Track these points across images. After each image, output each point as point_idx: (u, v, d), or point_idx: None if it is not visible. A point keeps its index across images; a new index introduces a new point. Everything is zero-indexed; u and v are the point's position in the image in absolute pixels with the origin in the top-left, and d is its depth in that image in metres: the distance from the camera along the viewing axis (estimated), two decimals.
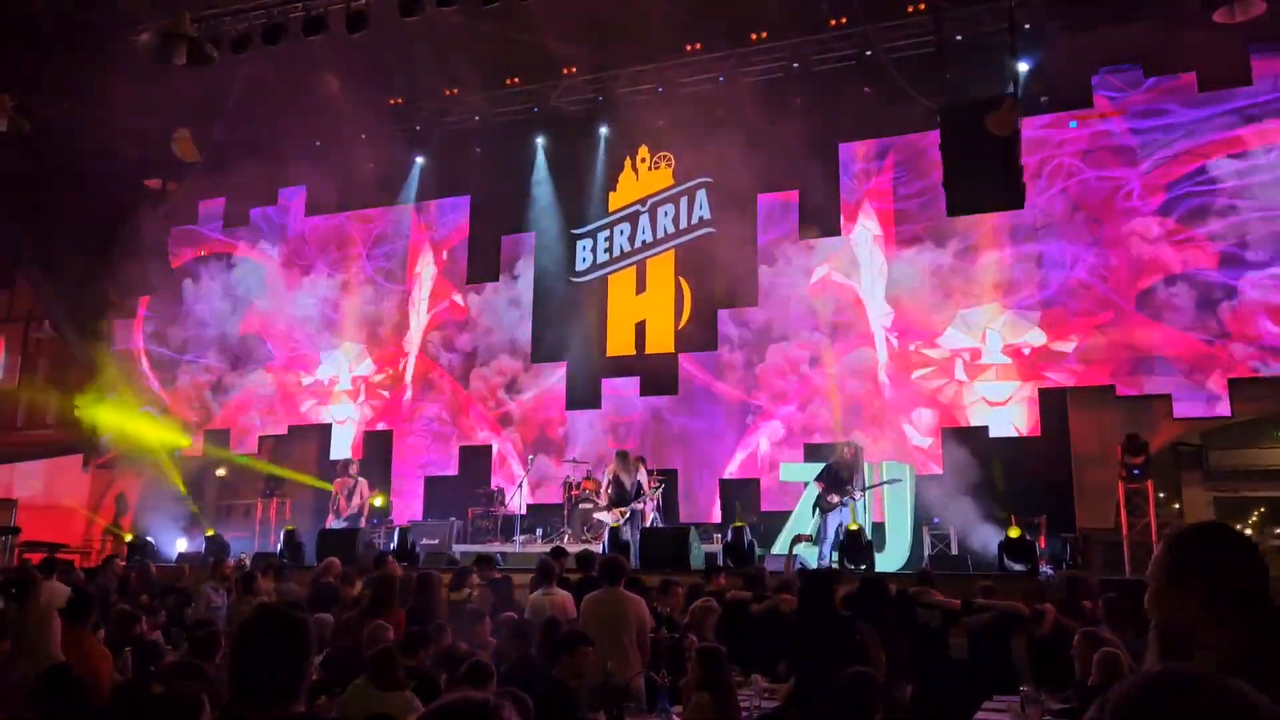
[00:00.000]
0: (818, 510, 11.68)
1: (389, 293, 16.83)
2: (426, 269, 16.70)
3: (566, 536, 12.97)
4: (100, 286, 17.31)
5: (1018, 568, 10.24)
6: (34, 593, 5.33)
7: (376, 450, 16.28)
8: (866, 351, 13.69)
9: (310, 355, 17.11)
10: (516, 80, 15.44)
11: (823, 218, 14.14)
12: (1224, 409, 11.87)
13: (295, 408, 17.06)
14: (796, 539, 11.71)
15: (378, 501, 14.81)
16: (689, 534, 11.36)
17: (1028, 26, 12.57)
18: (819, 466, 12.19)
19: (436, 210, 16.79)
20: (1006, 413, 12.86)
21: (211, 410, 17.50)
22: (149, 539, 14.93)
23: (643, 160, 15.48)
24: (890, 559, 11.96)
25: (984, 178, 11.02)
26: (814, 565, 10.83)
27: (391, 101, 15.74)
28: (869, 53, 13.44)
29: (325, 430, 16.81)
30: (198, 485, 17.10)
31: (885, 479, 12.24)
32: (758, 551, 11.61)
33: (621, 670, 5.93)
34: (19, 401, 19.16)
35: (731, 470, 14.07)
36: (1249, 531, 12.49)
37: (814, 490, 11.95)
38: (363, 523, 13.95)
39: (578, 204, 15.73)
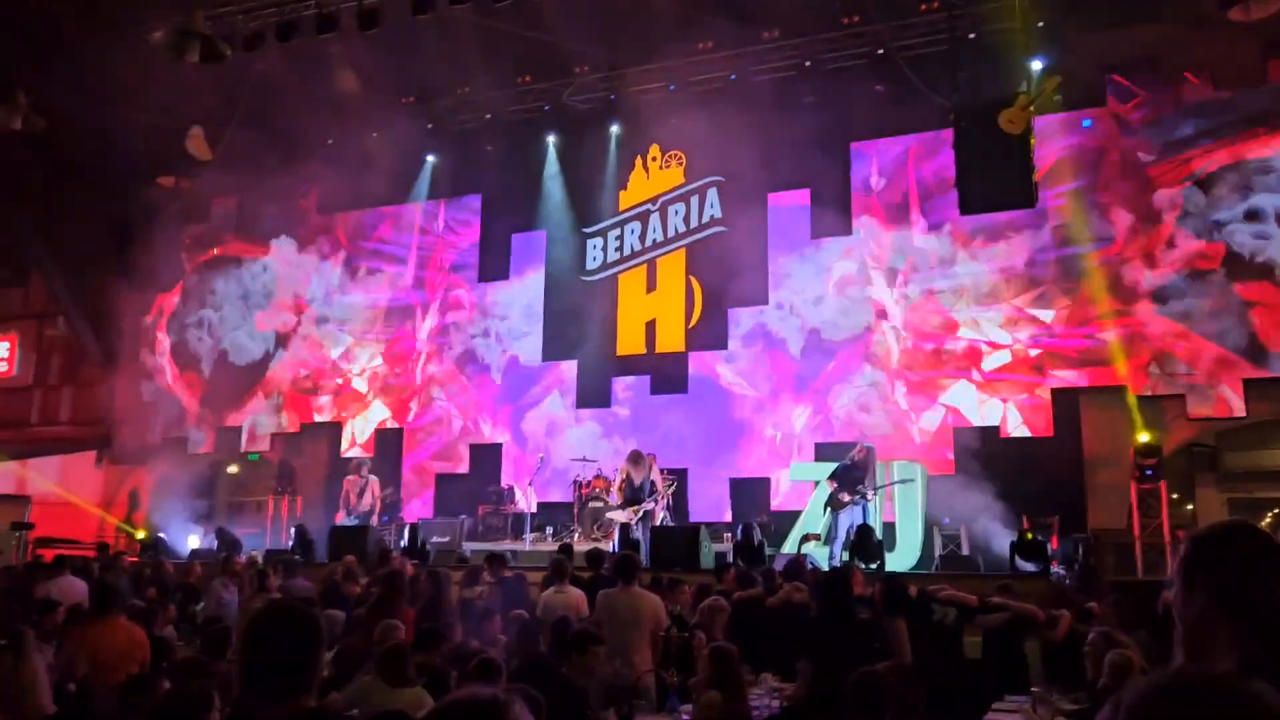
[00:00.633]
0: (829, 509, 11.66)
1: (400, 290, 16.86)
2: (438, 267, 16.72)
3: (576, 535, 12.96)
4: (114, 284, 17.38)
5: (1029, 568, 10.20)
6: (27, 646, 5.27)
7: (387, 447, 16.32)
8: (878, 350, 13.65)
9: (321, 353, 17.16)
10: (528, 78, 15.43)
11: (834, 216, 14.10)
12: (1238, 409, 11.79)
13: (307, 405, 17.11)
14: (806, 538, 11.68)
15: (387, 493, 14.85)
16: (699, 533, 11.34)
17: (1041, 24, 12.51)
18: (830, 466, 12.16)
19: (448, 208, 16.81)
20: (1019, 413, 12.81)
21: (225, 407, 17.56)
22: (161, 535, 15.01)
23: (654, 159, 15.47)
24: (901, 559, 11.92)
25: (997, 176, 11.00)
26: (825, 565, 10.80)
27: (403, 99, 15.76)
28: (881, 51, 13.38)
29: (336, 428, 16.86)
30: (210, 482, 17.18)
31: (897, 479, 12.21)
32: (768, 551, 11.59)
33: (631, 669, 5.92)
34: (33, 398, 19.28)
35: (742, 469, 14.04)
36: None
37: (825, 489, 11.93)
38: (374, 520, 13.97)
39: (589, 202, 15.73)
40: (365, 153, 16.17)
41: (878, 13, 13.15)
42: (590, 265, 15.61)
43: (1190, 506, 12.36)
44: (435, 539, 13.21)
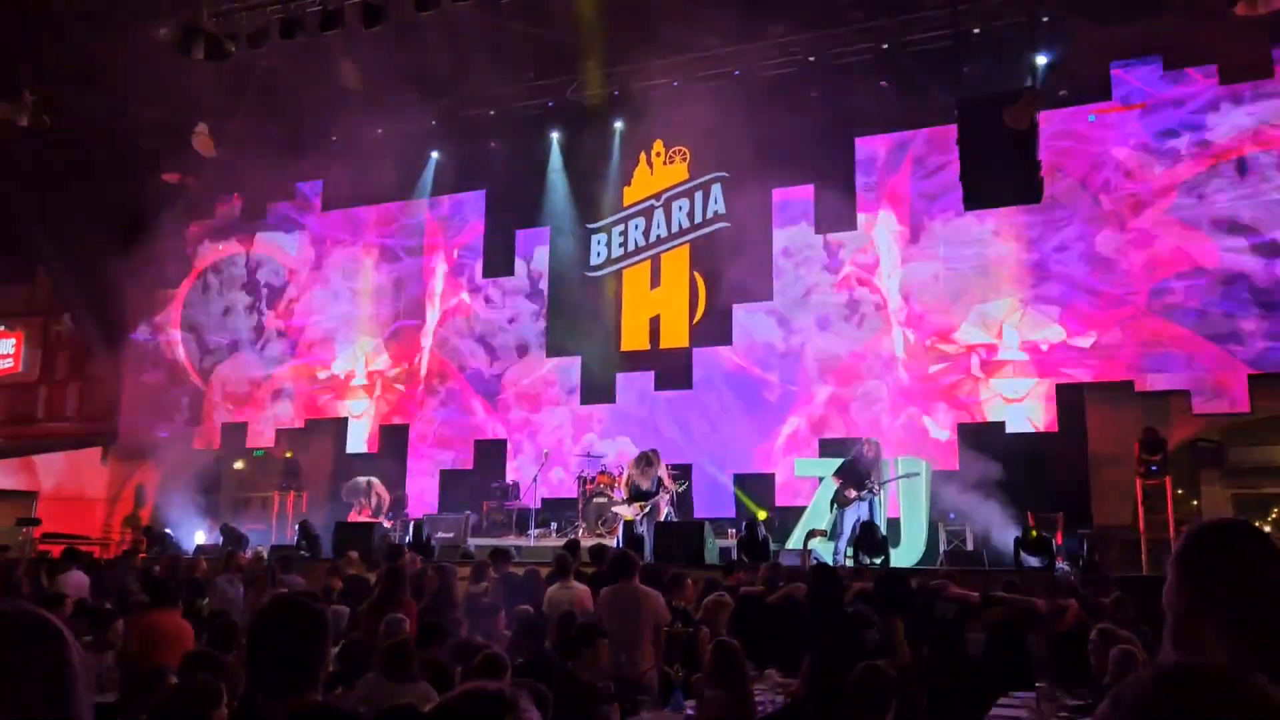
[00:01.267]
0: (835, 505, 11.67)
1: (404, 286, 16.88)
2: (442, 263, 16.73)
3: (581, 530, 12.98)
4: (120, 280, 17.41)
5: (1034, 564, 10.19)
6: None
7: (392, 443, 16.35)
8: (883, 346, 13.64)
9: (326, 349, 17.19)
10: (532, 74, 15.44)
11: (838, 212, 14.09)
12: (1243, 405, 11.77)
13: (312, 401, 17.15)
14: (811, 534, 11.69)
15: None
16: (703, 529, 11.35)
17: (1045, 19, 12.47)
18: (835, 462, 12.16)
19: (452, 204, 16.82)
20: (1023, 408, 12.80)
21: (231, 403, 17.60)
22: (167, 531, 15.05)
23: (658, 154, 15.46)
24: (906, 554, 11.92)
25: (1001, 172, 10.96)
26: (830, 560, 10.81)
27: (407, 96, 15.75)
28: (886, 46, 13.36)
29: (342, 424, 16.89)
30: (215, 478, 17.22)
31: (901, 474, 12.20)
32: (772, 546, 11.59)
33: (634, 664, 5.94)
34: (39, 394, 19.34)
35: (746, 465, 14.04)
36: (1268, 529, 12.39)
37: (830, 485, 11.93)
38: (383, 518, 14.04)
39: (593, 198, 15.73)
40: (370, 148, 16.18)
41: (882, 8, 13.12)
42: (594, 261, 15.61)
43: (1196, 502, 12.33)
44: (440, 535, 13.24)
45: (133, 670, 5.60)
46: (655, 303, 15.17)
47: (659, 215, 15.30)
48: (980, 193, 11.37)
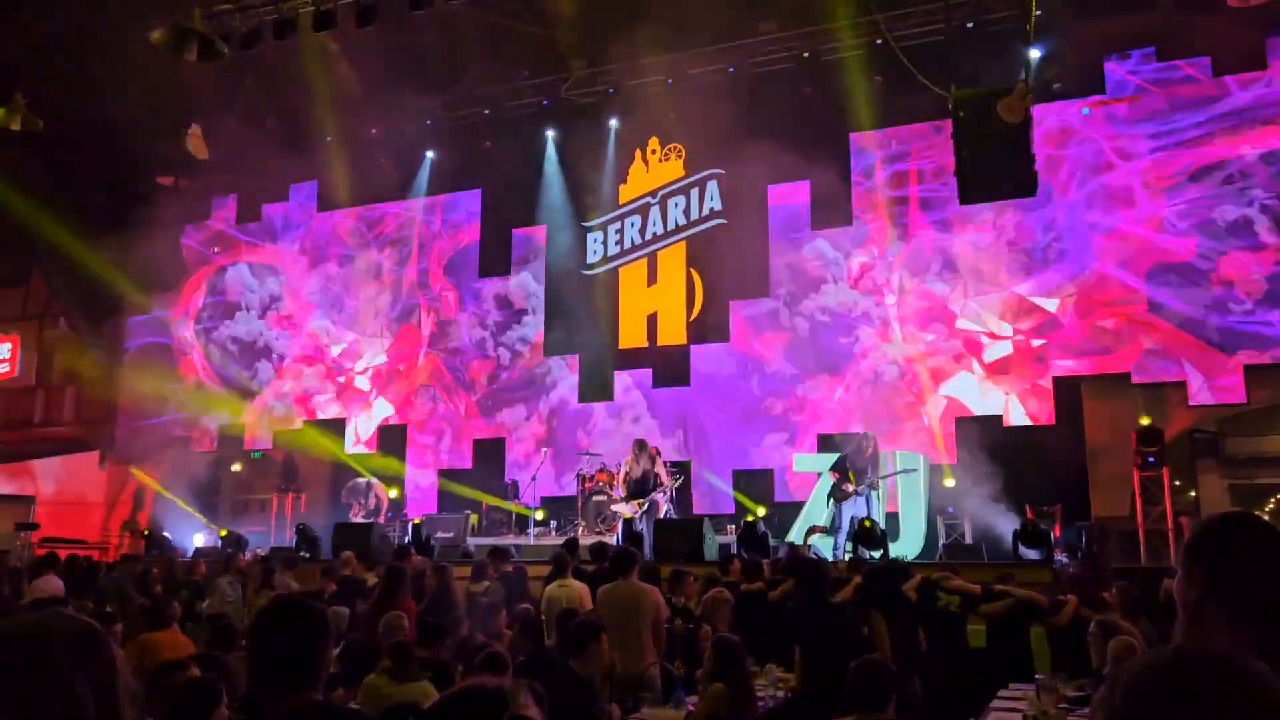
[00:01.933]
0: (832, 500, 11.68)
1: (401, 287, 16.87)
2: (438, 263, 16.72)
3: (581, 528, 12.98)
4: (114, 283, 17.38)
5: (1033, 556, 10.20)
6: None
7: (391, 444, 16.34)
8: (879, 340, 13.65)
9: (324, 350, 17.18)
10: (527, 73, 15.42)
11: (834, 207, 14.10)
12: (1240, 396, 11.79)
13: (310, 403, 17.13)
14: (811, 530, 11.70)
15: (392, 494, 14.92)
16: (703, 525, 11.36)
17: (1038, 13, 12.46)
18: (833, 457, 12.17)
19: (447, 204, 16.81)
20: (1020, 401, 12.81)
21: (228, 405, 17.58)
22: (165, 534, 15.03)
23: (653, 152, 15.45)
24: (905, 548, 11.94)
25: (996, 165, 10.93)
26: (829, 556, 10.82)
27: (402, 96, 15.74)
28: (879, 42, 13.37)
29: (340, 425, 16.88)
30: (213, 480, 17.21)
31: (899, 469, 12.22)
32: (772, 542, 11.60)
33: (634, 661, 5.94)
34: (35, 399, 19.30)
35: (744, 461, 14.05)
36: (1265, 519, 12.42)
37: (828, 481, 11.94)
38: (381, 518, 14.04)
39: (588, 197, 15.72)
40: (365, 148, 16.15)
41: (875, 4, 13.12)
42: (591, 259, 15.61)
43: (1193, 493, 12.36)
44: (440, 535, 13.24)
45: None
46: (652, 300, 15.17)
47: (655, 213, 15.30)
48: (975, 186, 11.33)
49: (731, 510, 13.55)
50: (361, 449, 16.49)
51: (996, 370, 13.00)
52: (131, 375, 17.99)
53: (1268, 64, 12.10)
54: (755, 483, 13.70)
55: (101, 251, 16.53)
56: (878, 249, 13.87)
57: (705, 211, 14.97)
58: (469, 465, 15.77)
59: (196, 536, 15.62)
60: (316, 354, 17.23)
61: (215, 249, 18.34)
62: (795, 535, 12.19)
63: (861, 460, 11.67)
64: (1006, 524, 11.24)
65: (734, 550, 11.25)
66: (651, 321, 15.11)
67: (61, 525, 16.03)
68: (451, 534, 13.42)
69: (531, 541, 12.99)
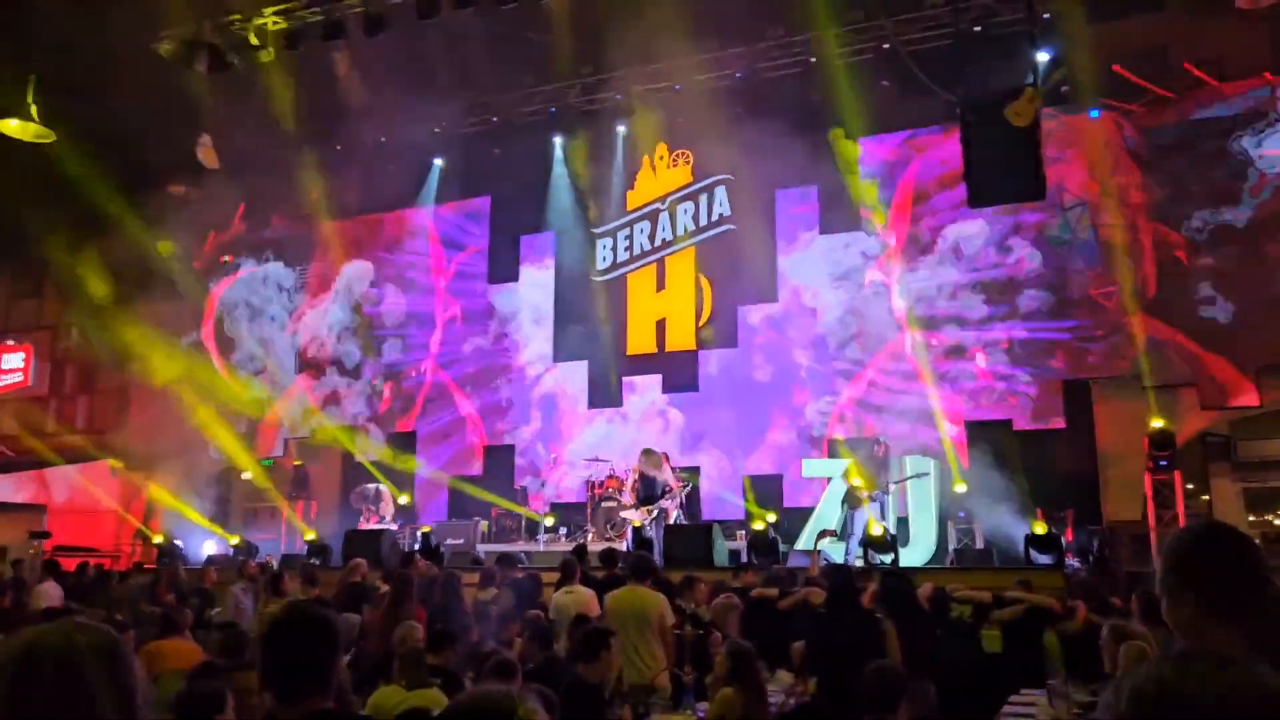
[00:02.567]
0: (845, 505, 11.65)
1: (410, 294, 16.91)
2: (447, 270, 16.76)
3: (590, 535, 12.98)
4: (126, 293, 17.45)
5: (1044, 561, 10.16)
6: None
7: (401, 451, 16.36)
8: (889, 345, 13.62)
9: (334, 357, 17.22)
10: (534, 80, 15.46)
11: (842, 212, 14.09)
12: (1252, 399, 11.73)
13: (320, 409, 17.17)
14: (822, 534, 11.68)
15: (403, 500, 14.95)
16: (712, 531, 11.34)
17: (1047, 16, 12.46)
18: (843, 462, 12.14)
19: (456, 211, 16.85)
20: (1031, 405, 12.76)
21: (240, 414, 17.63)
22: (177, 542, 15.07)
23: (661, 158, 15.47)
24: (916, 553, 11.90)
25: (1005, 169, 10.92)
26: (840, 561, 10.79)
27: (409, 104, 15.79)
28: (887, 46, 13.37)
29: (350, 433, 16.90)
30: (224, 488, 17.24)
31: (911, 474, 12.19)
32: (781, 548, 11.59)
33: (644, 667, 5.93)
34: (49, 408, 19.40)
35: (754, 467, 14.02)
36: (1278, 523, 12.35)
37: (840, 485, 11.91)
38: (392, 524, 14.06)
39: (597, 203, 15.74)
40: (373, 157, 16.20)
41: (883, 9, 13.13)
42: (600, 265, 15.63)
43: (1206, 497, 12.29)
44: (450, 541, 13.25)
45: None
46: (661, 306, 15.18)
47: (664, 219, 15.31)
48: (984, 191, 11.31)
49: (741, 515, 13.52)
50: (372, 454, 16.51)
51: (1007, 374, 12.95)
52: (144, 383, 18.04)
53: (1278, 68, 12.03)
54: (765, 488, 13.67)
55: (113, 261, 16.61)
56: (886, 253, 13.85)
57: (714, 217, 14.97)
58: (479, 472, 15.78)
59: (207, 544, 15.66)
60: (326, 361, 17.27)
61: (225, 258, 18.41)
62: (805, 541, 12.16)
63: (873, 465, 11.65)
64: (1017, 529, 11.20)
65: (744, 556, 11.24)
66: (660, 327, 15.12)
67: (74, 533, 16.10)
68: (462, 540, 13.43)
69: (541, 548, 12.99)
